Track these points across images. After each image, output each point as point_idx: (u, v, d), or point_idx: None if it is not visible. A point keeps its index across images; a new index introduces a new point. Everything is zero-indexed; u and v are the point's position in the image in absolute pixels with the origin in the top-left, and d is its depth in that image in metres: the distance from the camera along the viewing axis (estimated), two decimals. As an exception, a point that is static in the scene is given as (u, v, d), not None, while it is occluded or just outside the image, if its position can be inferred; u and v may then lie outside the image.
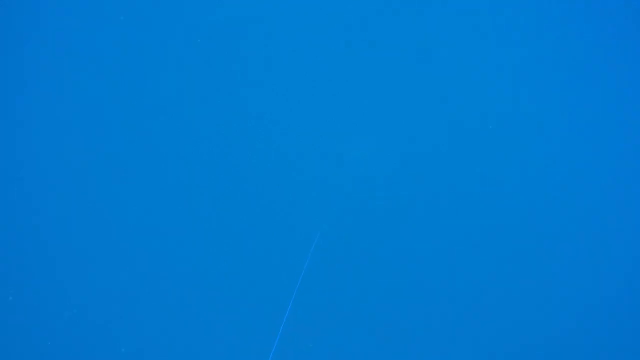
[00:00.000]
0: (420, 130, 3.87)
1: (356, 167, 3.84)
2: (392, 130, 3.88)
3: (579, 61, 3.90)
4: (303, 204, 3.79)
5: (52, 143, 3.72)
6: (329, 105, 3.89)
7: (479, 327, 3.37)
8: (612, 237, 3.77)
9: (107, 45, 3.80)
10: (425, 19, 3.92)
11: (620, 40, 3.85)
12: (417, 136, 3.87)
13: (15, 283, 3.60)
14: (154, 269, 3.67)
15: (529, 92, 3.91)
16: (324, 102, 3.89)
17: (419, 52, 3.92)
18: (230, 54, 3.86)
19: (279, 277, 3.69)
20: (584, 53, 3.89)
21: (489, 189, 3.82)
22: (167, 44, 3.84)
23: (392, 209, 3.78)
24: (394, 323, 3.55)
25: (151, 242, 3.70)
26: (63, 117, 3.74)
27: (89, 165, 3.74)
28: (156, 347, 3.60)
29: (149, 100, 3.81)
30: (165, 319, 3.64)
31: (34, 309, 3.58)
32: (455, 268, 3.69)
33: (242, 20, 3.89)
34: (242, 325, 3.65)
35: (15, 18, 3.73)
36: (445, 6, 3.92)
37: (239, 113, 3.85)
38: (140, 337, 3.60)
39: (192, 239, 3.73)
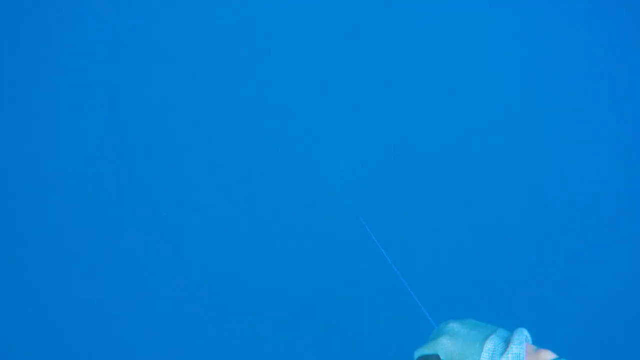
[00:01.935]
0: (419, 132, 3.87)
1: (353, 169, 3.84)
2: (392, 131, 3.88)
3: (579, 61, 3.90)
4: (308, 205, 3.79)
5: (51, 143, 3.73)
6: (329, 106, 3.89)
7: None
8: (611, 231, 3.77)
9: (108, 46, 3.80)
10: (423, 21, 3.92)
11: (621, 40, 3.85)
12: (416, 137, 3.87)
13: (16, 283, 3.61)
14: (154, 270, 3.68)
15: (527, 94, 3.91)
16: (325, 103, 3.89)
17: (418, 53, 3.92)
18: (232, 56, 3.87)
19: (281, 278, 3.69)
20: (585, 53, 3.89)
21: (490, 188, 3.82)
22: (164, 46, 3.84)
23: (393, 210, 3.79)
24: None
25: (155, 246, 3.71)
26: (64, 116, 3.74)
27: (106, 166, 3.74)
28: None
29: (149, 103, 3.81)
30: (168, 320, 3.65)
31: (36, 309, 3.59)
32: (457, 268, 3.70)
33: (241, 22, 3.89)
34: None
35: (16, 18, 3.74)
36: (443, 8, 3.92)
37: (240, 115, 3.85)
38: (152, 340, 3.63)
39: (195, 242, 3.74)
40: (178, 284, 3.67)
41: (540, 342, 1.14)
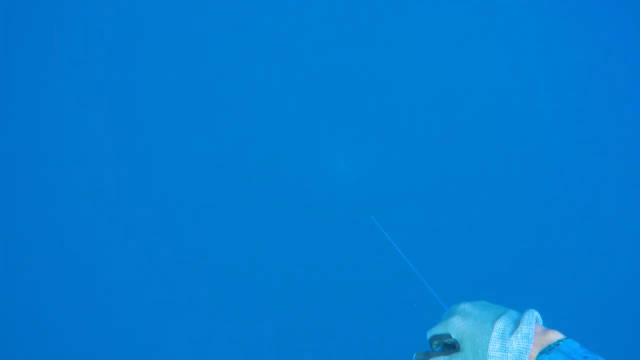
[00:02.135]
0: (420, 130, 3.89)
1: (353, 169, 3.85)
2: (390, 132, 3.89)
3: (579, 61, 3.92)
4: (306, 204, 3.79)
5: (50, 142, 3.72)
6: (327, 106, 3.90)
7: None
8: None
9: (107, 46, 3.81)
10: (424, 21, 3.94)
11: (621, 40, 3.87)
12: (416, 136, 3.88)
13: (16, 283, 3.60)
14: (154, 270, 3.67)
15: (528, 93, 3.93)
16: (324, 103, 3.90)
17: (419, 53, 3.93)
18: (233, 56, 3.88)
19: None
20: (585, 53, 3.91)
21: (491, 182, 3.82)
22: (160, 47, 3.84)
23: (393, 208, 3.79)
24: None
25: (156, 247, 3.70)
26: (63, 115, 3.74)
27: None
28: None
29: (149, 101, 3.81)
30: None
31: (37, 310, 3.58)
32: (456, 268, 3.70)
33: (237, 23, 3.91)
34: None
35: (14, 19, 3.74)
36: (443, 8, 3.94)
37: (241, 115, 3.85)
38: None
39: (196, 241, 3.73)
40: (187, 287, 3.66)
41: (550, 324, 1.15)
